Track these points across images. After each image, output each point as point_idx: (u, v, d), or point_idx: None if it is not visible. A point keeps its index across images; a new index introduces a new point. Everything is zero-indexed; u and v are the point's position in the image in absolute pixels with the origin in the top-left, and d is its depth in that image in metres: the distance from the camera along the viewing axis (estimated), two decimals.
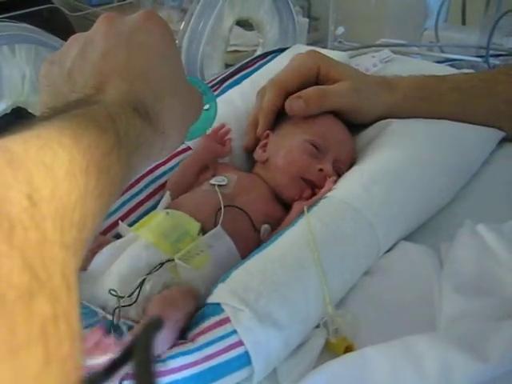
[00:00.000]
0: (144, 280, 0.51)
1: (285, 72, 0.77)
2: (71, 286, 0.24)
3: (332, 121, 0.72)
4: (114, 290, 0.50)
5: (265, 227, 0.62)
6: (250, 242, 0.59)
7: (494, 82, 0.75)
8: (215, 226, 0.57)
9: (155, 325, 0.29)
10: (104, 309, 0.51)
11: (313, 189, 0.65)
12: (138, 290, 0.50)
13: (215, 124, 0.63)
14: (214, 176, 0.67)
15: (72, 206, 0.27)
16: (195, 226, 0.57)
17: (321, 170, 0.65)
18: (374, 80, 0.76)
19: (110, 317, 0.49)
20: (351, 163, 0.70)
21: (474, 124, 0.74)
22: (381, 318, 0.54)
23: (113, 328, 0.48)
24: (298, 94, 0.72)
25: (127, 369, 0.27)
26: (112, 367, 0.27)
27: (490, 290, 0.52)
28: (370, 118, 0.75)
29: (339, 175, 0.66)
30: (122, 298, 0.50)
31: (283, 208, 0.66)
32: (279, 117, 0.74)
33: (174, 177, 0.68)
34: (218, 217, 0.58)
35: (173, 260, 0.53)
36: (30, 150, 0.27)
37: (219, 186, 0.64)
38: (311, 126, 0.70)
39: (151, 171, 0.68)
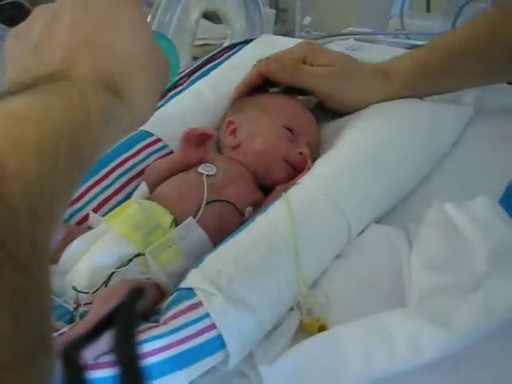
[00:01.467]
0: (112, 274, 0.51)
1: (273, 55, 0.77)
2: (42, 258, 0.25)
3: (299, 105, 0.74)
4: (75, 287, 0.50)
5: (249, 210, 0.62)
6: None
7: (494, 28, 0.75)
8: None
9: (137, 293, 0.30)
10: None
11: (295, 172, 0.66)
12: (103, 286, 0.50)
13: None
14: (201, 161, 0.65)
15: (41, 180, 0.27)
16: (168, 218, 0.57)
17: (301, 153, 0.66)
18: (370, 69, 0.76)
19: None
20: (318, 153, 0.71)
21: (480, 81, 0.76)
22: (353, 298, 0.55)
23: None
24: (276, 59, 0.74)
25: (109, 334, 0.27)
26: (94, 333, 0.28)
27: (457, 266, 0.54)
28: (354, 108, 0.75)
29: (313, 160, 0.67)
30: (87, 293, 0.50)
31: (263, 193, 0.66)
32: (246, 102, 0.74)
33: (153, 178, 0.66)
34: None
35: (143, 254, 0.53)
36: None
37: (207, 175, 0.62)
38: (281, 110, 0.71)
39: (121, 164, 0.68)
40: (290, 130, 0.68)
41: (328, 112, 0.77)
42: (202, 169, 0.63)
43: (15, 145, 0.27)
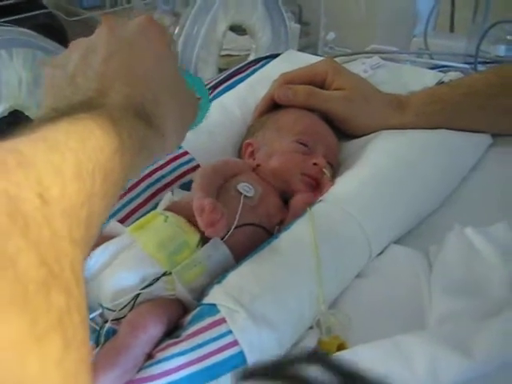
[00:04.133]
0: (138, 295, 0.52)
1: (295, 70, 0.80)
2: (80, 280, 0.26)
3: (313, 118, 0.75)
4: (101, 305, 0.51)
5: (277, 229, 0.62)
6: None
7: (510, 78, 0.75)
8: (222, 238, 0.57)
9: None
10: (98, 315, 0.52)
11: (315, 182, 0.67)
12: (129, 304, 0.51)
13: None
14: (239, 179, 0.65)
15: (80, 205, 0.29)
16: (195, 237, 0.57)
17: (315, 163, 0.67)
18: (386, 98, 0.77)
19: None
20: (337, 160, 0.72)
21: (496, 125, 0.76)
22: (372, 319, 0.55)
23: (98, 341, 0.50)
24: (288, 85, 0.76)
25: None
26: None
27: (477, 291, 0.54)
28: (367, 132, 0.76)
29: (332, 165, 0.69)
30: (113, 311, 0.51)
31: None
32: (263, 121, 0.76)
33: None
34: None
35: (169, 273, 0.53)
36: (38, 152, 0.28)
37: (244, 196, 0.62)
38: (294, 125, 0.72)
39: (149, 175, 0.69)
40: (304, 143, 0.69)
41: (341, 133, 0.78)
42: (241, 188, 0.63)
43: (57, 170, 0.28)
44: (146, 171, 0.69)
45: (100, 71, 0.43)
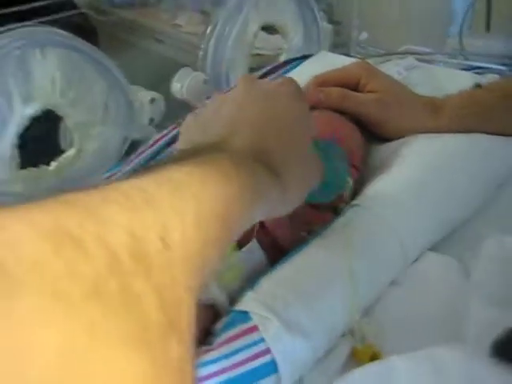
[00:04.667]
0: None
1: (329, 72, 0.79)
2: (192, 329, 0.25)
3: (333, 115, 0.73)
4: None
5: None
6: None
7: None
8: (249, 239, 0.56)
9: None
10: None
11: None
12: None
13: None
14: None
15: (196, 252, 0.28)
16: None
17: None
18: (420, 101, 0.76)
19: None
20: (361, 155, 0.71)
21: None
22: (406, 328, 0.54)
23: None
24: (321, 88, 0.75)
25: None
26: None
27: None
28: (401, 136, 0.74)
29: (354, 167, 0.67)
30: None
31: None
32: None
33: None
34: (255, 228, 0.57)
35: None
36: (163, 193, 0.27)
37: None
38: (320, 122, 0.70)
39: None
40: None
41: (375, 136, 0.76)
42: None
43: (179, 214, 0.27)
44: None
45: (231, 117, 0.44)
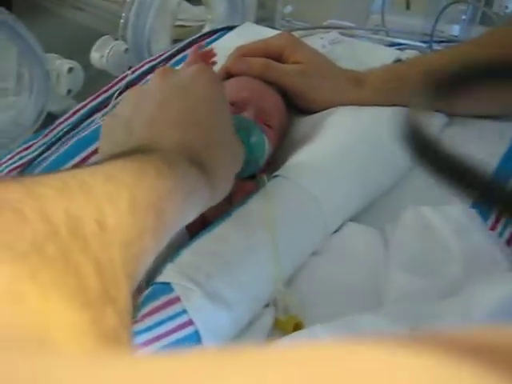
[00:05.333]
0: None
1: (251, 43, 0.78)
2: (129, 309, 0.27)
3: (248, 79, 0.73)
4: None
5: None
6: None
7: (466, 57, 0.74)
8: None
9: None
10: None
11: None
12: None
13: None
14: None
15: (132, 239, 0.29)
16: None
17: None
18: (343, 74, 0.76)
19: None
20: (280, 120, 0.71)
21: (451, 105, 0.75)
22: (328, 297, 0.55)
23: None
24: (244, 58, 0.75)
25: None
26: None
27: (433, 269, 0.54)
28: (323, 107, 0.75)
29: (269, 126, 0.67)
30: None
31: None
32: None
33: None
34: None
35: None
36: (97, 181, 0.30)
37: None
38: (229, 87, 0.70)
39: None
40: (231, 102, 0.66)
41: (298, 109, 0.77)
42: None
43: (112, 202, 0.29)
44: (97, 144, 0.66)
45: (153, 117, 0.45)
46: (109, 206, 0.29)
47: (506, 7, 1.21)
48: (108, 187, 0.30)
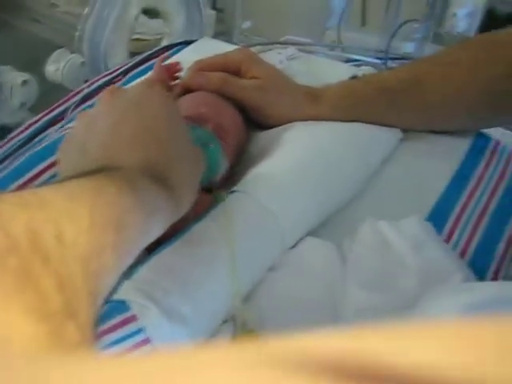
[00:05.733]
0: None
1: (209, 58, 0.78)
2: (90, 327, 0.27)
3: (205, 94, 0.73)
4: None
5: None
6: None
7: (420, 74, 0.76)
8: None
9: None
10: None
11: None
12: None
13: None
14: None
15: (92, 254, 0.29)
16: None
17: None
18: (301, 90, 0.77)
19: None
20: (238, 136, 0.71)
21: (406, 120, 0.77)
22: (286, 312, 0.55)
23: None
24: (202, 72, 0.74)
25: None
26: None
27: (389, 284, 0.55)
28: (280, 123, 0.75)
29: (226, 142, 0.66)
30: None
31: None
32: None
33: None
34: None
35: None
36: (57, 198, 0.30)
37: None
38: (187, 102, 0.70)
39: (52, 165, 0.65)
40: (191, 118, 0.65)
41: (256, 124, 0.77)
42: None
43: (70, 217, 0.29)
44: (49, 161, 0.65)
45: (107, 137, 0.45)
46: (68, 222, 0.29)
47: (457, 27, 1.25)
48: (67, 204, 0.30)
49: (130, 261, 0.36)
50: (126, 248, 0.35)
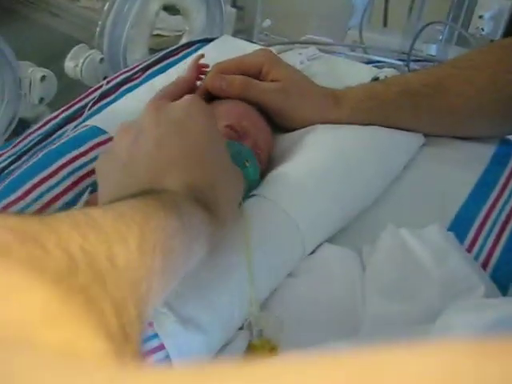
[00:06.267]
0: None
1: (230, 60, 0.77)
2: (138, 354, 0.26)
3: (246, 107, 0.72)
4: None
5: None
6: None
7: (443, 78, 0.75)
8: None
9: None
10: None
11: None
12: None
13: None
14: None
15: (140, 278, 0.29)
16: None
17: (228, 126, 0.66)
18: (322, 92, 0.76)
19: None
20: (269, 152, 0.71)
21: (429, 125, 0.76)
22: (304, 321, 0.54)
23: None
24: (223, 75, 0.73)
25: None
26: None
27: (410, 293, 0.54)
28: (302, 125, 0.74)
29: (260, 161, 0.66)
30: None
31: None
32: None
33: None
34: None
35: None
36: (107, 219, 0.29)
37: None
38: (227, 113, 0.69)
39: (70, 162, 0.64)
40: (234, 129, 0.67)
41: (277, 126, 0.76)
42: None
43: (122, 240, 0.29)
44: (67, 157, 0.64)
45: (153, 158, 0.44)
46: (119, 245, 0.29)
47: (482, 29, 1.23)
48: (118, 225, 0.30)
49: (174, 285, 0.36)
50: (172, 272, 0.35)
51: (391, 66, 1.04)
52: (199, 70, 0.76)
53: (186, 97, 0.50)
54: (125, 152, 0.46)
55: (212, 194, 0.43)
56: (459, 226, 0.65)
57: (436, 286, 0.54)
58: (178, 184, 0.42)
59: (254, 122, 0.70)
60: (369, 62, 1.05)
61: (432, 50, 1.26)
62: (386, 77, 0.87)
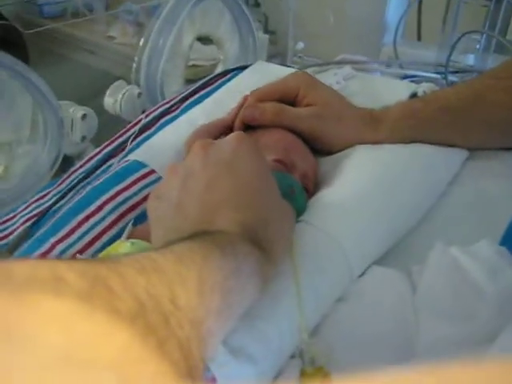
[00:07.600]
0: None
1: (266, 86, 0.77)
2: None
3: (293, 139, 0.72)
4: None
5: None
6: None
7: (480, 90, 0.74)
8: None
9: None
10: None
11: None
12: None
13: None
14: None
15: (200, 319, 0.29)
16: None
17: (277, 160, 0.66)
18: (359, 113, 0.75)
19: None
20: (315, 182, 0.70)
21: (471, 139, 0.74)
22: (356, 347, 0.52)
23: None
24: (256, 104, 0.72)
25: None
26: None
27: (467, 314, 0.52)
28: (341, 149, 0.73)
29: (307, 191, 0.65)
30: None
31: None
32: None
33: None
34: None
35: None
36: (168, 261, 0.30)
37: None
38: (272, 145, 0.69)
39: (113, 197, 0.65)
40: (283, 163, 0.66)
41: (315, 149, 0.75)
42: None
43: (183, 281, 0.30)
44: (111, 192, 0.65)
45: (204, 199, 0.44)
46: (180, 287, 0.29)
47: None
48: (178, 267, 0.30)
49: (231, 325, 0.36)
50: (229, 312, 0.35)
51: (429, 79, 1.03)
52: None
53: (233, 135, 0.50)
54: (175, 194, 0.46)
55: (265, 233, 0.43)
56: (510, 240, 0.63)
57: (492, 304, 0.52)
58: (231, 224, 0.42)
59: (300, 154, 0.70)
60: (405, 77, 1.05)
61: (470, 60, 1.24)
62: (424, 92, 0.85)
